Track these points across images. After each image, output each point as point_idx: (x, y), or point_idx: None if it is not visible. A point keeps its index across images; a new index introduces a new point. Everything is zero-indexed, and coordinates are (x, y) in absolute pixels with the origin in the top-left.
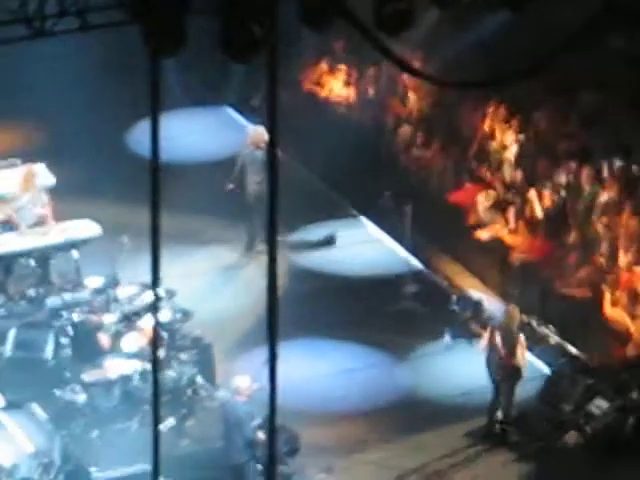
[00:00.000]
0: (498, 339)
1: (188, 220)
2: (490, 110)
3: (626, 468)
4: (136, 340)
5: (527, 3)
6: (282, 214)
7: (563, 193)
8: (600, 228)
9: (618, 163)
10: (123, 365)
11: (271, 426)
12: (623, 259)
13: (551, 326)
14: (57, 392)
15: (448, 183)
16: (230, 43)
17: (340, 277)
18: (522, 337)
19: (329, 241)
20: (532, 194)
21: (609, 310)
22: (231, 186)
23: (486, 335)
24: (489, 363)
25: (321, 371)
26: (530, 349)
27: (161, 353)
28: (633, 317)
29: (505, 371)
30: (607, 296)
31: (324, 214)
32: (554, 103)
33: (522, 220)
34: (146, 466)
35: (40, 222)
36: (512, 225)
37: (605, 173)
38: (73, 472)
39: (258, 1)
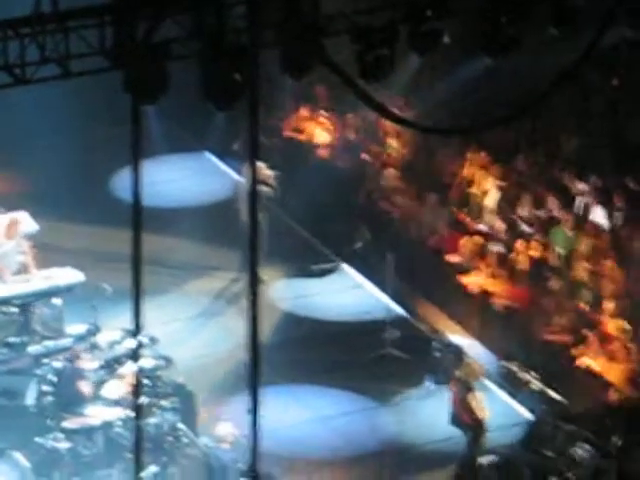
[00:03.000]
0: (455, 393)
1: (170, 266)
2: (470, 156)
3: None
4: (118, 387)
5: (506, 50)
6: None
7: (544, 239)
8: (582, 275)
9: (600, 210)
10: (105, 412)
11: (254, 474)
12: (605, 306)
13: (533, 372)
14: (39, 440)
15: (429, 229)
16: (211, 90)
17: (322, 323)
18: (478, 394)
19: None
20: (519, 244)
21: (590, 356)
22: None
23: (450, 389)
24: (451, 418)
25: (303, 417)
26: (511, 395)
27: (143, 400)
28: (612, 363)
29: (464, 426)
30: (588, 342)
31: (306, 260)
32: (535, 148)
33: (503, 267)
34: None
35: (23, 269)
36: (493, 272)
37: (588, 219)
38: None
39: (239, 48)
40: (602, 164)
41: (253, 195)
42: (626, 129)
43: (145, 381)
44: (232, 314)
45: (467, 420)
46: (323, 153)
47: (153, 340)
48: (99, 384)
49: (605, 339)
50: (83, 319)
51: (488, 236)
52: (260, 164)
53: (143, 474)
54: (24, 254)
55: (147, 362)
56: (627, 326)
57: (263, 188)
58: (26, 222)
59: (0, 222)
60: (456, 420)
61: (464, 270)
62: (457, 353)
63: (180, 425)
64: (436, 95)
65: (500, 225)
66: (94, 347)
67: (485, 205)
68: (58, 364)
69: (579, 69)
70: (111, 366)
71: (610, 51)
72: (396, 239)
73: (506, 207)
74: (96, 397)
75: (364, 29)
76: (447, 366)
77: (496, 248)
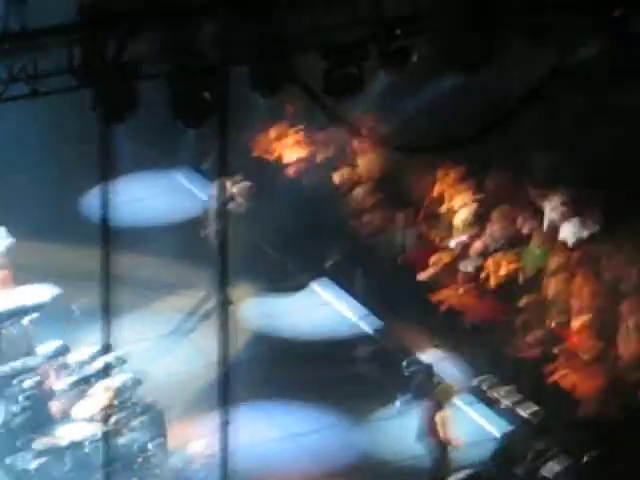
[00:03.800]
0: (426, 414)
1: (139, 284)
2: (440, 174)
3: None
4: (88, 407)
5: (475, 68)
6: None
7: (514, 256)
8: (551, 291)
9: (570, 226)
10: (74, 432)
11: None
12: (575, 322)
13: (503, 389)
14: (8, 461)
15: (399, 247)
16: (181, 108)
17: (292, 341)
18: (448, 414)
19: None
20: (488, 261)
21: (561, 372)
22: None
23: (420, 408)
24: (418, 436)
25: (274, 435)
26: (482, 412)
27: (112, 420)
28: (583, 379)
29: (430, 445)
30: (559, 358)
31: (275, 279)
32: (504, 166)
33: (474, 284)
34: None
35: None
36: (463, 289)
37: (557, 236)
38: None
39: (209, 67)
40: (572, 181)
41: (222, 214)
42: (596, 145)
43: (115, 401)
44: (202, 332)
45: (433, 438)
46: (293, 172)
47: (123, 359)
48: (69, 404)
49: (575, 355)
50: (52, 338)
51: (458, 254)
52: (229, 180)
53: None
54: None
55: (117, 381)
56: (597, 342)
57: (232, 205)
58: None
59: None
60: (421, 437)
61: (434, 288)
62: (428, 371)
63: (150, 445)
64: (405, 113)
65: (470, 243)
66: (63, 367)
67: (455, 223)
68: (27, 384)
69: (548, 86)
70: (81, 386)
71: (579, 67)
72: (366, 257)
73: (476, 225)
74: (66, 417)
75: (333, 46)
76: (418, 383)
77: (465, 266)
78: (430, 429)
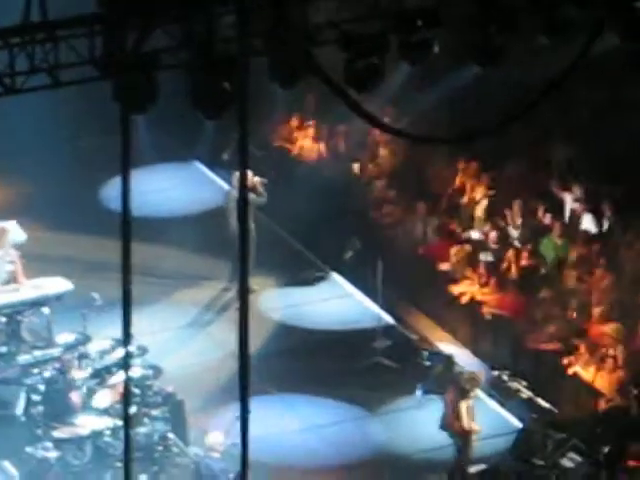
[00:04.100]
0: (451, 402)
1: (160, 275)
2: (460, 165)
3: None
4: (107, 396)
5: (495, 59)
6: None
7: (534, 248)
8: (571, 282)
9: (589, 218)
10: (94, 422)
11: None
12: (595, 314)
13: (522, 380)
14: (29, 449)
15: (419, 238)
16: (201, 99)
17: (312, 332)
18: (471, 403)
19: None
20: (508, 252)
21: (580, 364)
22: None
23: (445, 396)
24: (441, 423)
25: (293, 426)
26: (501, 404)
27: (132, 409)
28: (602, 371)
29: (454, 433)
30: (578, 351)
31: (295, 270)
32: (524, 157)
33: (493, 275)
34: None
35: (11, 279)
36: (483, 280)
37: (577, 228)
38: None
39: (228, 57)
40: (591, 172)
41: (243, 204)
42: (613, 139)
43: (135, 390)
44: (222, 324)
45: (456, 428)
46: (313, 163)
47: (143, 349)
48: (89, 393)
49: (594, 347)
50: (72, 328)
51: (478, 245)
52: (249, 172)
53: None
54: (13, 263)
55: (137, 371)
56: (616, 334)
57: (252, 196)
58: (15, 231)
59: None
60: (445, 426)
61: (454, 279)
62: (447, 362)
63: (170, 434)
64: (425, 104)
65: (490, 234)
66: (84, 356)
67: (475, 214)
68: (47, 373)
69: (567, 79)
70: (101, 375)
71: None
72: (386, 248)
73: (496, 216)
74: (86, 407)
75: (353, 38)
76: (437, 375)
77: (486, 257)
78: (455, 417)
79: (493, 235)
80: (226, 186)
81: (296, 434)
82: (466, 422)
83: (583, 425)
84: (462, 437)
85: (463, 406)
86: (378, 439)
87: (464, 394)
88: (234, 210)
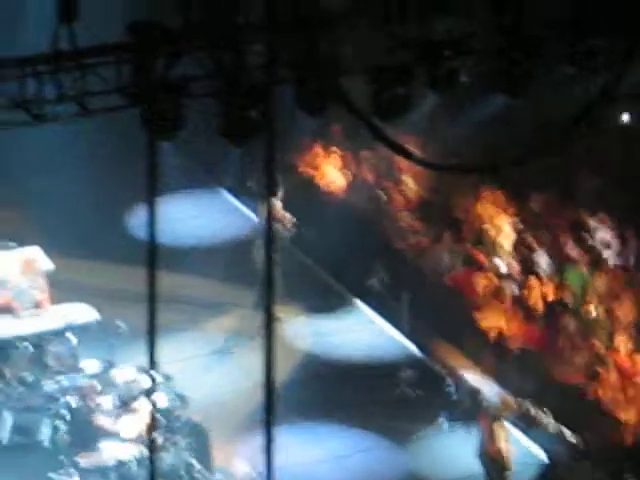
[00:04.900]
0: (486, 427)
1: (185, 303)
2: (485, 194)
3: None
4: (132, 424)
5: (523, 89)
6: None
7: (559, 278)
8: (597, 314)
9: (615, 249)
10: (119, 449)
11: None
12: (621, 345)
13: (548, 411)
14: (53, 476)
15: (444, 267)
16: (228, 126)
17: (337, 362)
18: (507, 427)
19: None
20: (534, 284)
21: (605, 396)
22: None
23: (479, 422)
24: (478, 450)
25: (318, 456)
26: (526, 434)
27: (157, 438)
28: (628, 403)
29: (490, 460)
30: (604, 382)
31: (321, 299)
32: (550, 187)
33: (518, 306)
34: None
35: (37, 306)
36: (508, 311)
37: (603, 258)
38: None
39: (256, 85)
40: (618, 203)
41: (269, 232)
42: None
43: (160, 419)
44: (248, 352)
45: (493, 452)
46: (338, 191)
47: (168, 378)
48: (114, 421)
49: (620, 379)
50: (98, 356)
51: (502, 275)
52: (276, 202)
53: None
54: (39, 290)
55: (162, 400)
56: None
57: (278, 227)
58: (41, 258)
59: (15, 258)
60: (483, 452)
61: (480, 309)
62: (473, 393)
63: (195, 463)
64: (452, 134)
65: (515, 264)
66: (109, 384)
67: (500, 244)
68: (72, 401)
69: (596, 109)
70: (126, 403)
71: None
72: (411, 277)
73: (521, 246)
74: (111, 435)
75: (380, 68)
76: (464, 405)
77: (510, 287)
78: (492, 441)
79: (517, 265)
80: (252, 215)
81: (321, 464)
82: (503, 445)
83: (609, 457)
84: (498, 462)
85: (498, 429)
86: (403, 469)
87: (497, 418)
88: (259, 239)
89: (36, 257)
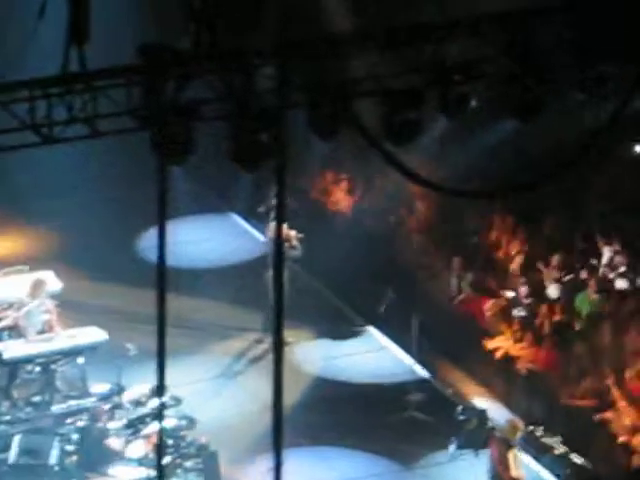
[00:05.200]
0: (496, 451)
1: (194, 327)
2: (496, 220)
3: None
4: (141, 447)
5: (533, 113)
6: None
7: (569, 303)
8: (606, 338)
9: (625, 274)
10: (128, 472)
11: None
12: (630, 370)
13: (557, 436)
14: None
15: (454, 292)
16: (238, 150)
17: (346, 385)
18: (518, 451)
19: None
20: (543, 309)
21: (614, 420)
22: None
23: (489, 446)
24: (490, 475)
25: (326, 479)
26: (536, 459)
27: (166, 460)
28: (637, 427)
29: None
30: (613, 407)
31: (331, 322)
32: (561, 212)
33: (528, 330)
34: None
35: (47, 328)
36: (518, 335)
37: (613, 283)
38: None
39: (267, 109)
40: (627, 227)
41: (279, 256)
42: None
43: (169, 441)
44: (257, 375)
45: (506, 478)
46: (349, 215)
47: (177, 400)
48: (123, 444)
49: (629, 403)
50: (107, 379)
51: (513, 300)
52: (284, 226)
53: None
54: (48, 313)
55: (171, 422)
56: None
57: (288, 250)
58: (51, 281)
59: (25, 281)
60: (495, 477)
61: (489, 333)
62: (481, 417)
63: None
64: (462, 158)
65: (524, 289)
66: (118, 407)
67: (510, 269)
68: (81, 423)
69: (606, 136)
70: (135, 426)
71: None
72: (421, 301)
73: (531, 271)
74: (120, 457)
75: (392, 92)
76: (470, 430)
77: (520, 312)
78: (504, 468)
79: (527, 290)
80: (262, 238)
81: None
82: (515, 472)
83: None
84: None
85: (510, 455)
86: None
87: (508, 443)
88: (269, 262)
89: (46, 279)
